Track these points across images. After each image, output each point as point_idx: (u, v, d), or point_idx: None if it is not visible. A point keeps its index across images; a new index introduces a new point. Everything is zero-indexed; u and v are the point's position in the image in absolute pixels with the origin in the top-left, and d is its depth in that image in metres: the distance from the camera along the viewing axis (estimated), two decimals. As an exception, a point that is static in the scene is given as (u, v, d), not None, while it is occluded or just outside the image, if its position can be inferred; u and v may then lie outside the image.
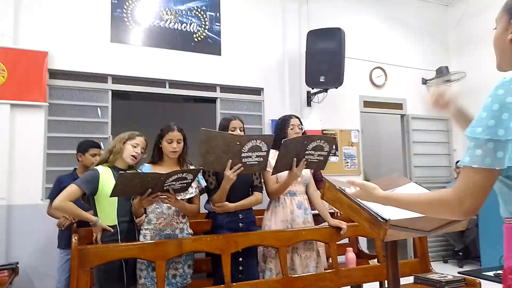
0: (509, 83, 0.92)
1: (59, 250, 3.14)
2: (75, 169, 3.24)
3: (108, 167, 2.40)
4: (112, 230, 2.32)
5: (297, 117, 2.83)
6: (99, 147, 3.24)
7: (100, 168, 2.37)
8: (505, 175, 0.99)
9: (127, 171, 2.35)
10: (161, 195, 2.20)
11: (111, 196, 2.18)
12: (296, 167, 2.46)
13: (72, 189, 2.25)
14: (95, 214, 2.35)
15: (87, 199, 2.40)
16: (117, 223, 2.35)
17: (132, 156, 2.45)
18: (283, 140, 2.39)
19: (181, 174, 2.15)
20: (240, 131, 2.59)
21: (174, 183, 2.18)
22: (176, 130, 2.45)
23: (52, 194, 3.11)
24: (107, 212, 2.35)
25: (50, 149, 3.65)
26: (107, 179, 2.34)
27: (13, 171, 3.45)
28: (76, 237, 2.16)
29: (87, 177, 2.32)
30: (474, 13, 5.53)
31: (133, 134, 2.50)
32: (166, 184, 2.16)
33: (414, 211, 1.13)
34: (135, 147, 2.46)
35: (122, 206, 2.39)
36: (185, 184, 2.25)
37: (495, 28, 1.12)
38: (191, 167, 2.55)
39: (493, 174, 0.92)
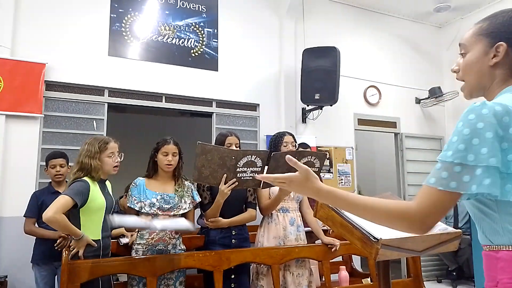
0: (480, 108, 0.90)
1: (35, 266, 2.98)
2: (50, 182, 3.14)
3: (93, 180, 2.31)
4: (96, 245, 2.24)
5: (291, 134, 2.85)
6: (59, 156, 3.09)
7: (88, 180, 2.27)
8: (476, 199, 0.96)
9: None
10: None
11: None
12: None
13: (65, 200, 2.11)
14: (77, 227, 2.21)
15: (67, 212, 2.22)
16: (100, 238, 2.29)
17: (114, 167, 2.37)
18: (273, 153, 2.40)
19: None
20: (236, 147, 2.60)
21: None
22: (172, 144, 2.46)
23: (30, 211, 2.98)
24: (94, 226, 2.27)
25: (44, 161, 3.62)
26: (95, 192, 2.28)
27: (6, 183, 3.41)
28: (66, 252, 2.14)
29: (79, 188, 2.20)
30: (466, 35, 5.65)
31: (102, 144, 2.33)
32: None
33: (366, 217, 1.01)
34: (111, 156, 2.35)
35: (105, 221, 2.32)
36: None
37: (463, 53, 1.08)
38: (186, 183, 2.55)
39: (457, 197, 0.90)
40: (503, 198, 0.89)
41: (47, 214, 2.06)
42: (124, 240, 2.81)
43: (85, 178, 2.27)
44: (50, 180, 3.16)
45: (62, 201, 2.11)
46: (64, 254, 2.11)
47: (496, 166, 0.86)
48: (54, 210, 2.06)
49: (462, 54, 1.09)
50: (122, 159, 2.43)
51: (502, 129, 0.88)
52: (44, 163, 3.17)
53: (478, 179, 0.86)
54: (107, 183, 2.49)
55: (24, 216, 2.99)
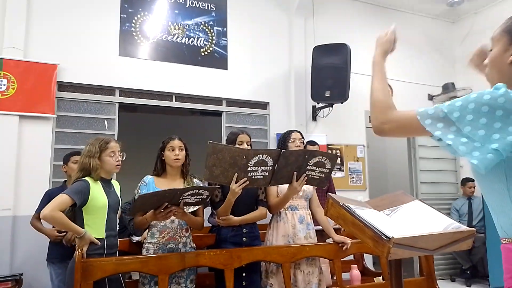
0: (501, 86, 0.95)
1: (50, 264, 3.03)
2: (65, 181, 3.19)
3: (95, 179, 2.32)
4: (99, 243, 2.25)
5: (299, 132, 2.87)
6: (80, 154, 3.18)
7: (89, 179, 2.29)
8: (493, 189, 1.00)
9: (146, 193, 2.26)
10: (175, 211, 2.21)
11: (130, 215, 2.18)
12: (296, 181, 2.45)
13: (63, 199, 2.15)
14: (81, 226, 2.24)
15: (71, 211, 2.28)
16: (104, 236, 2.29)
17: (117, 165, 2.39)
18: (283, 150, 2.39)
19: (197, 190, 2.17)
20: (247, 145, 2.60)
21: (189, 197, 2.19)
22: (177, 139, 2.49)
23: (39, 208, 2.98)
24: (96, 225, 2.28)
25: (57, 160, 3.68)
26: (97, 191, 2.29)
27: (20, 182, 3.47)
28: (79, 250, 2.16)
29: (78, 188, 2.22)
30: (479, 30, 5.55)
31: (102, 143, 2.36)
32: (182, 198, 2.17)
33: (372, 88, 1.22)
34: (112, 156, 2.36)
35: (110, 220, 2.33)
36: (200, 199, 2.27)
37: (491, 50, 1.10)
38: (195, 180, 2.56)
39: (421, 132, 1.06)
40: (466, 157, 0.96)
41: (44, 211, 2.11)
42: (136, 238, 2.83)
43: (86, 178, 2.29)
44: (65, 179, 3.21)
45: (60, 199, 2.15)
46: (77, 252, 2.14)
47: (468, 134, 0.95)
48: (51, 207, 2.11)
49: (490, 50, 1.12)
50: (124, 158, 2.45)
51: (504, 111, 0.92)
52: (59, 162, 3.22)
53: (446, 131, 0.99)
54: (115, 182, 2.50)
55: (36, 212, 3.05)
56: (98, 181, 2.33)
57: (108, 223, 2.32)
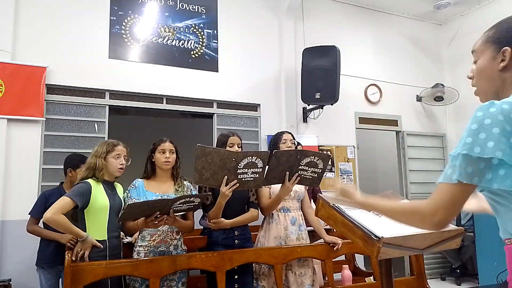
0: (488, 106, 0.95)
1: (40, 269, 2.97)
2: (62, 183, 3.14)
3: (97, 181, 2.37)
4: (102, 246, 2.27)
5: (290, 133, 2.90)
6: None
7: (90, 181, 2.34)
8: (489, 192, 1.01)
9: (135, 202, 2.27)
10: (166, 220, 2.21)
11: (118, 222, 2.22)
12: (289, 181, 2.46)
13: (65, 202, 2.19)
14: (83, 229, 2.28)
15: (75, 214, 2.32)
16: (107, 238, 2.31)
17: (119, 168, 2.43)
18: (274, 151, 2.39)
19: (189, 198, 2.17)
20: (238, 147, 2.60)
21: (181, 205, 2.20)
22: (168, 142, 2.49)
23: (35, 211, 2.96)
24: (98, 227, 2.30)
25: (46, 164, 3.64)
26: (98, 192, 2.33)
27: (8, 186, 3.42)
28: (69, 254, 2.14)
29: (80, 190, 2.27)
30: (466, 32, 5.65)
31: (109, 145, 2.43)
32: (173, 207, 2.17)
33: (390, 218, 1.16)
34: (118, 158, 2.42)
35: (112, 222, 2.35)
36: (192, 206, 2.27)
37: (475, 62, 1.13)
38: (186, 183, 2.56)
39: (470, 190, 0.96)
40: (507, 188, 0.93)
41: (46, 214, 2.16)
42: (127, 239, 2.82)
43: (88, 180, 2.34)
44: (62, 181, 3.14)
45: (62, 202, 2.20)
46: (67, 257, 2.12)
47: (502, 159, 0.91)
48: (53, 210, 2.16)
49: (475, 62, 1.14)
50: (129, 163, 2.50)
51: (509, 125, 0.92)
52: (48, 166, 3.17)
53: (494, 172, 0.92)
54: (118, 185, 2.54)
55: (29, 213, 2.99)
56: (100, 183, 2.37)
57: (110, 225, 2.34)
